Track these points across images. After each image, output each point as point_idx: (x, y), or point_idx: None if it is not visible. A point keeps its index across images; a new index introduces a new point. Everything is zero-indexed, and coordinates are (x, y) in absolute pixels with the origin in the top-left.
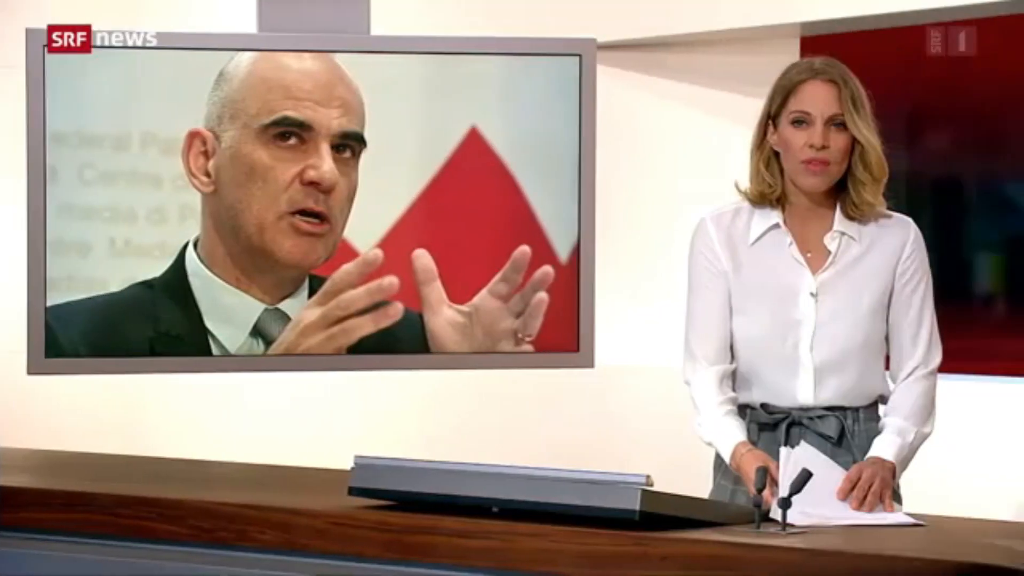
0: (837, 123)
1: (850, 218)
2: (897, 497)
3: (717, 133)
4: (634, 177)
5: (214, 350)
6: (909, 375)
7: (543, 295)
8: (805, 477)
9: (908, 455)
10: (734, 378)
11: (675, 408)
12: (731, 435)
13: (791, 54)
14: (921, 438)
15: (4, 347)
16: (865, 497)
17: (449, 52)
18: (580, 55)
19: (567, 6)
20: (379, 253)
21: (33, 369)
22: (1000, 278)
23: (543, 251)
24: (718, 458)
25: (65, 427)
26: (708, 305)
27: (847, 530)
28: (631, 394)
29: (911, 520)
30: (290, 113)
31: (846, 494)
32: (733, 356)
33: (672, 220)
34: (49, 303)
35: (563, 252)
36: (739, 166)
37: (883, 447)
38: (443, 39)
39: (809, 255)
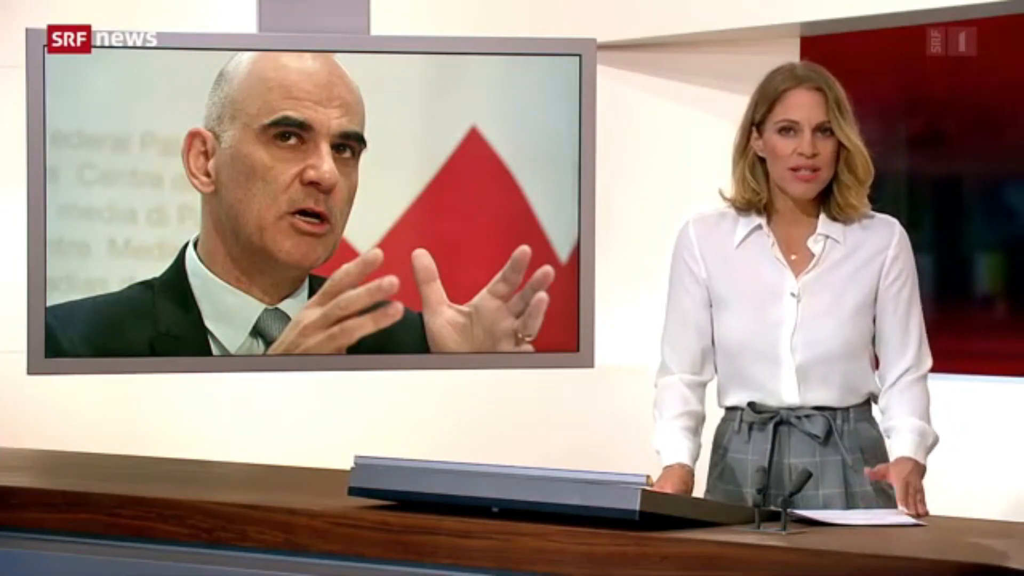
0: (824, 130)
1: (834, 220)
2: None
3: (717, 133)
4: (634, 177)
5: (214, 350)
6: (902, 376)
7: (543, 295)
8: (805, 477)
9: (926, 456)
10: (704, 389)
11: None
12: (676, 452)
13: (791, 54)
14: (935, 439)
15: (4, 347)
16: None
17: (449, 52)
18: (580, 55)
19: (567, 6)
20: (379, 253)
21: (33, 369)
22: (1000, 278)
23: (543, 251)
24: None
25: (65, 427)
26: (683, 312)
27: (847, 530)
28: (631, 394)
29: (911, 520)
30: (290, 113)
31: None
32: (706, 367)
33: (672, 220)
34: (49, 303)
35: (563, 252)
36: None
37: (908, 447)
38: (443, 39)
39: (793, 257)
